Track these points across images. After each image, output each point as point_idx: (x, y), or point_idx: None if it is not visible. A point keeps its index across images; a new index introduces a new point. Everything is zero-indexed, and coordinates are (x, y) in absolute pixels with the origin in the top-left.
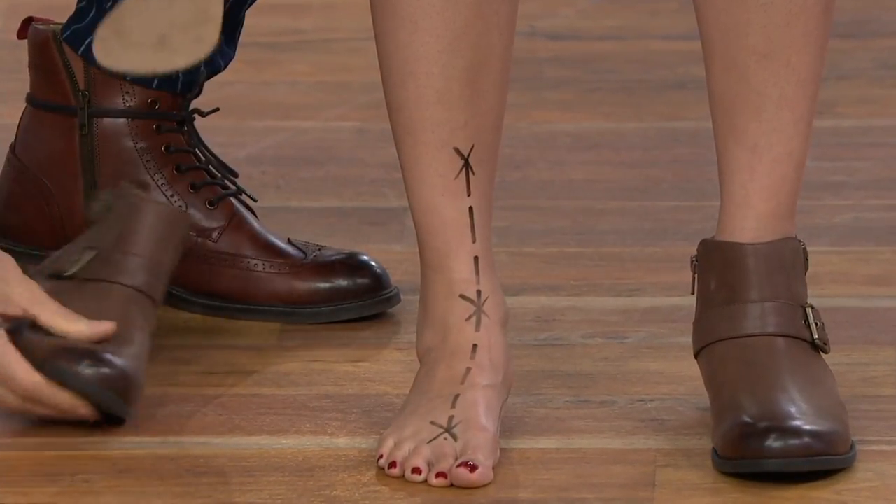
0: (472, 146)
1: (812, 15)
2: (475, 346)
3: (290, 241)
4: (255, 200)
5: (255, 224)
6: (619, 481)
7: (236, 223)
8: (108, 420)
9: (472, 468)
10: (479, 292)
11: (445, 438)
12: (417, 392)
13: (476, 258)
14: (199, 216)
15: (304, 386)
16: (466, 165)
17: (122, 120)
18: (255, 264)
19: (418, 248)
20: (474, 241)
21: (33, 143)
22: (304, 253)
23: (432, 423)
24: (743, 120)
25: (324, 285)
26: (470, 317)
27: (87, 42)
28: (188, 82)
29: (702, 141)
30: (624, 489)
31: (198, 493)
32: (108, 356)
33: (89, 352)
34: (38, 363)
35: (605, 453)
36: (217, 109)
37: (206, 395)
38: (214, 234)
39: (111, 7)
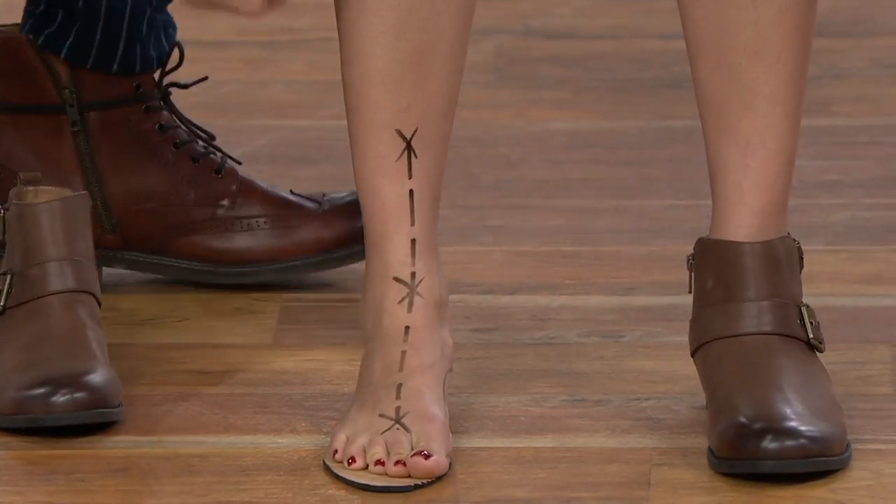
0: (416, 129)
1: (801, 10)
2: (407, 328)
3: (294, 194)
4: (239, 164)
5: (260, 182)
6: (614, 480)
7: (246, 186)
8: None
9: (427, 456)
10: (413, 274)
11: (398, 429)
12: (361, 385)
13: (413, 241)
14: (209, 185)
15: (299, 385)
16: (409, 148)
17: (113, 110)
18: (277, 222)
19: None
20: (413, 224)
21: (14, 148)
22: (316, 202)
23: (381, 415)
24: (735, 118)
25: (352, 224)
26: (402, 299)
27: (67, 44)
28: (160, 56)
29: (697, 140)
30: (619, 488)
31: (193, 492)
32: (79, 377)
33: (59, 380)
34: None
35: (600, 452)
36: (205, 78)
37: (202, 394)
38: (226, 201)
39: (82, 6)
